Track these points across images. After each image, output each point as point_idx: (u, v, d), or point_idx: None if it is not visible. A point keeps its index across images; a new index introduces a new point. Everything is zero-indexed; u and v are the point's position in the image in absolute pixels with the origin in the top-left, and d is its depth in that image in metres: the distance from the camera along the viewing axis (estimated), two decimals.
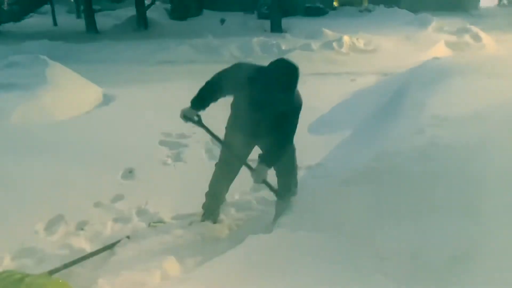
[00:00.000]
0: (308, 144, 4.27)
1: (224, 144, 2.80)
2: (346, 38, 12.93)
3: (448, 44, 12.93)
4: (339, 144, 4.08)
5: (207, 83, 2.70)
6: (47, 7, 21.11)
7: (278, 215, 2.78)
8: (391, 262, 1.90)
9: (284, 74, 2.44)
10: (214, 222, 2.92)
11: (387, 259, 1.93)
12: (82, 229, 2.79)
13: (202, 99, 2.72)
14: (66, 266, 2.26)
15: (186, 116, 2.76)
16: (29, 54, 6.72)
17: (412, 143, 2.61)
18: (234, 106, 2.78)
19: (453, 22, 16.83)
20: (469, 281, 1.66)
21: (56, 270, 2.21)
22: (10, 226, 2.66)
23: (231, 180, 2.89)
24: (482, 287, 1.62)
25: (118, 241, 2.58)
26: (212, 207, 2.93)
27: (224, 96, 2.73)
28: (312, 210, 2.67)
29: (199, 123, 2.82)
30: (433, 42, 13.03)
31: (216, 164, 2.90)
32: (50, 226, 2.78)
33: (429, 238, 1.88)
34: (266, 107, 2.52)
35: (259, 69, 2.57)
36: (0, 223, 2.68)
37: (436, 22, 16.55)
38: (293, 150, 2.87)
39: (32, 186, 3.22)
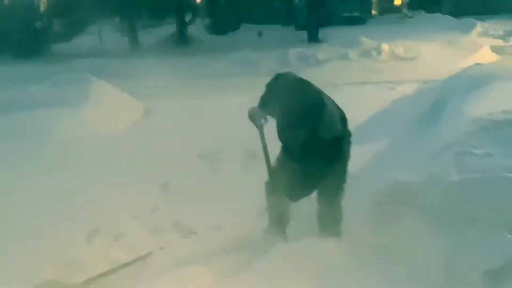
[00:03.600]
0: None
1: (269, 167, 2.59)
2: (384, 46, 12.73)
3: (494, 49, 12.44)
4: (375, 155, 3.99)
5: (266, 86, 2.59)
6: (94, 27, 22.13)
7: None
8: (425, 275, 1.84)
9: (291, 93, 2.33)
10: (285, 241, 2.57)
11: (421, 272, 1.86)
12: (118, 240, 2.88)
13: (265, 101, 2.59)
14: (101, 276, 2.34)
15: (253, 116, 2.58)
16: (74, 73, 7.07)
17: (450, 152, 2.51)
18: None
19: (499, 25, 16.20)
20: None
21: (92, 280, 2.29)
22: (52, 237, 2.77)
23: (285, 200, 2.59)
24: None
25: (151, 252, 2.65)
26: (276, 229, 2.62)
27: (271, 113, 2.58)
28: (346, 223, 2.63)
29: (261, 128, 2.61)
30: (477, 47, 12.57)
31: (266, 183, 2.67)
32: (89, 238, 2.89)
33: (464, 252, 1.80)
34: (289, 130, 2.37)
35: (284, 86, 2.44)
36: (43, 235, 2.80)
37: (480, 26, 15.98)
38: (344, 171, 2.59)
39: (74, 199, 3.35)
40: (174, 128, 5.55)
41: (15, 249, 2.64)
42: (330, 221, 2.59)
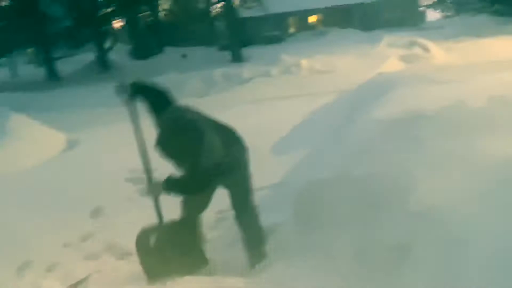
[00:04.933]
0: (272, 164, 4.46)
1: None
2: (303, 62, 13.42)
3: (400, 58, 13.59)
4: (299, 162, 4.27)
5: None
6: (4, 59, 20.97)
7: (250, 253, 2.64)
8: (343, 264, 2.07)
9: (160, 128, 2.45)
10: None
11: (339, 261, 2.10)
12: (50, 271, 2.85)
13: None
14: None
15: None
16: None
17: (356, 150, 2.82)
18: None
19: (403, 37, 17.69)
20: (410, 268, 1.84)
21: None
22: None
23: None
24: (421, 273, 1.80)
25: (88, 277, 2.66)
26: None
27: None
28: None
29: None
30: (385, 57, 13.66)
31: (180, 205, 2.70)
32: (20, 271, 2.83)
33: (374, 235, 2.06)
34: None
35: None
36: None
37: (387, 38, 17.36)
38: (247, 184, 2.65)
39: (1, 234, 3.26)
40: (99, 156, 5.50)
41: None
42: (250, 225, 2.68)
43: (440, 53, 13.66)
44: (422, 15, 28.93)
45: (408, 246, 1.94)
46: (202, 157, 2.28)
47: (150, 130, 2.64)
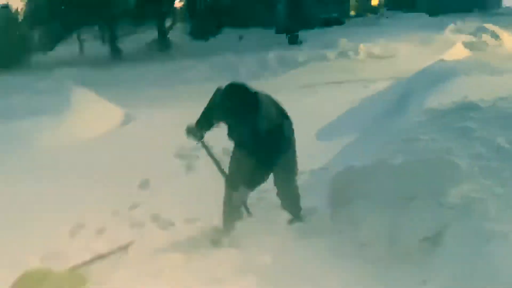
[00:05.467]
0: (316, 150, 4.45)
1: (222, 171, 2.88)
2: (362, 46, 13.08)
3: (466, 45, 12.87)
4: (343, 149, 4.23)
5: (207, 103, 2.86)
6: (73, 36, 22.07)
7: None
8: (371, 250, 2.07)
9: (227, 99, 2.58)
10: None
11: (367, 248, 2.10)
12: (99, 234, 3.07)
13: (204, 118, 2.88)
14: (85, 264, 2.53)
15: (188, 133, 2.89)
16: (54, 81, 7.20)
17: (399, 139, 2.77)
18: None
19: (471, 22, 16.68)
20: (440, 258, 1.81)
21: (76, 268, 2.48)
22: (39, 232, 2.97)
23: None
24: (451, 264, 1.77)
25: (131, 242, 2.83)
26: (231, 223, 2.87)
27: (218, 120, 2.84)
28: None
29: (202, 143, 2.92)
30: (450, 43, 12.99)
31: (225, 180, 2.89)
32: (73, 233, 3.07)
33: (404, 225, 2.04)
34: (235, 129, 2.66)
35: (221, 93, 2.67)
36: (30, 230, 3.00)
37: (454, 23, 16.44)
38: (293, 163, 2.81)
39: (58, 199, 3.55)
40: (152, 132, 5.73)
41: (3, 241, 2.82)
42: (291, 199, 2.85)
43: (511, 41, 12.80)
44: None
45: (439, 237, 1.90)
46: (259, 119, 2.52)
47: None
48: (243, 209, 2.92)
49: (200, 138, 2.93)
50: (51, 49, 19.09)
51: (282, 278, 2.05)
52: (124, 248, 2.76)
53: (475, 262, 1.67)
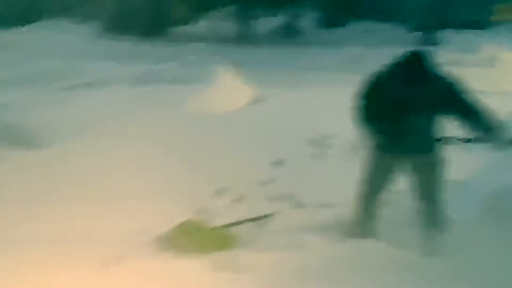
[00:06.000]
0: (459, 160, 4.22)
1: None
2: (506, 54, 11.92)
3: None
4: (484, 162, 3.98)
5: None
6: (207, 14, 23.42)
7: (427, 241, 2.66)
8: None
9: (408, 64, 2.51)
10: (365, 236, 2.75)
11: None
12: (239, 201, 3.35)
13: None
14: (234, 224, 2.80)
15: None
16: (199, 55, 7.82)
17: None
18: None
19: None
20: None
21: (228, 226, 2.76)
22: (189, 192, 3.34)
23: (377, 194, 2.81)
24: None
25: (273, 214, 3.05)
26: (360, 221, 2.85)
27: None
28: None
29: None
30: None
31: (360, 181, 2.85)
32: (218, 194, 3.40)
33: None
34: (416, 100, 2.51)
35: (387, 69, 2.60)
36: (182, 187, 3.38)
37: None
38: (441, 166, 2.70)
39: (201, 162, 3.92)
40: (284, 114, 5.93)
41: (160, 193, 3.22)
42: (431, 215, 2.70)
43: None
44: None
45: None
46: None
47: None
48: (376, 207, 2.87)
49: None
50: (189, 23, 20.52)
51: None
52: (266, 217, 2.98)
53: None
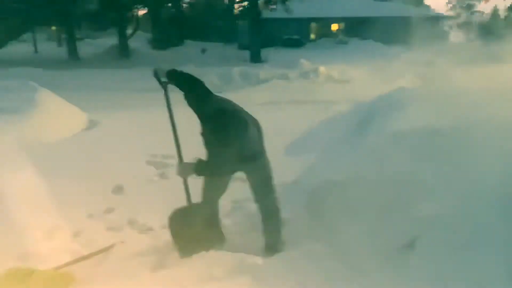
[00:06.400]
0: (285, 165, 4.64)
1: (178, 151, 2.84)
2: (322, 69, 13.62)
3: (418, 75, 13.71)
4: (310, 164, 4.45)
5: None
6: (27, 35, 21.31)
7: (268, 239, 2.82)
8: (352, 259, 2.27)
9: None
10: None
11: (350, 257, 2.29)
12: (77, 236, 3.07)
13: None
14: (67, 264, 2.53)
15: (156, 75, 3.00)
16: (18, 80, 6.99)
17: (373, 157, 3.01)
18: None
19: (424, 53, 17.78)
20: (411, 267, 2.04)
21: (60, 267, 2.48)
22: (14, 234, 2.91)
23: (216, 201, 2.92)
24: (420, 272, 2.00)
25: (114, 245, 2.86)
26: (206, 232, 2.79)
27: None
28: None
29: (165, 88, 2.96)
30: (404, 72, 13.81)
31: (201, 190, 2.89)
32: (49, 234, 3.04)
33: (377, 234, 2.27)
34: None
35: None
36: (4, 232, 2.93)
37: (407, 53, 17.45)
38: (267, 170, 2.87)
39: (30, 201, 3.47)
40: (119, 137, 5.73)
41: None
42: (271, 212, 2.88)
43: (458, 75, 13.73)
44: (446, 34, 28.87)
45: (411, 246, 2.13)
46: (245, 144, 2.61)
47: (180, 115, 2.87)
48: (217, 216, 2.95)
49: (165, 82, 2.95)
50: (3, 46, 18.31)
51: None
52: (107, 250, 2.78)
53: (443, 271, 1.90)
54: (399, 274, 2.02)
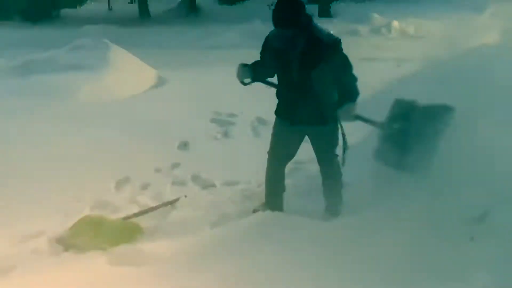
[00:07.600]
0: (351, 126, 4.48)
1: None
2: (395, 24, 12.80)
3: (505, 30, 12.49)
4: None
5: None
6: None
7: (329, 203, 2.81)
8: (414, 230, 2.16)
9: (277, 9, 2.47)
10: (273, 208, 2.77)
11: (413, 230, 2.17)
12: (144, 189, 3.23)
13: (255, 65, 2.76)
14: (136, 215, 2.69)
15: (239, 74, 2.72)
16: (91, 38, 7.28)
17: None
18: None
19: None
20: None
21: (128, 217, 2.64)
22: (88, 184, 3.13)
23: (283, 165, 2.88)
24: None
25: (178, 199, 2.98)
26: (272, 196, 2.89)
27: (271, 69, 2.75)
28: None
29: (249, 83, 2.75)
30: (488, 28, 12.62)
31: (267, 152, 2.86)
32: (120, 186, 3.23)
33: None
34: (293, 54, 2.51)
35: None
36: (80, 182, 3.16)
37: (493, 6, 15.90)
38: (334, 130, 2.79)
39: (102, 153, 3.69)
40: (186, 94, 5.82)
41: (55, 191, 2.99)
42: (332, 175, 2.84)
43: None
44: None
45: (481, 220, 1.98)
46: None
47: None
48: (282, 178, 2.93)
49: (249, 81, 2.75)
50: (83, 3, 19.11)
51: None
52: (172, 203, 2.90)
53: None
54: (463, 248, 1.88)
